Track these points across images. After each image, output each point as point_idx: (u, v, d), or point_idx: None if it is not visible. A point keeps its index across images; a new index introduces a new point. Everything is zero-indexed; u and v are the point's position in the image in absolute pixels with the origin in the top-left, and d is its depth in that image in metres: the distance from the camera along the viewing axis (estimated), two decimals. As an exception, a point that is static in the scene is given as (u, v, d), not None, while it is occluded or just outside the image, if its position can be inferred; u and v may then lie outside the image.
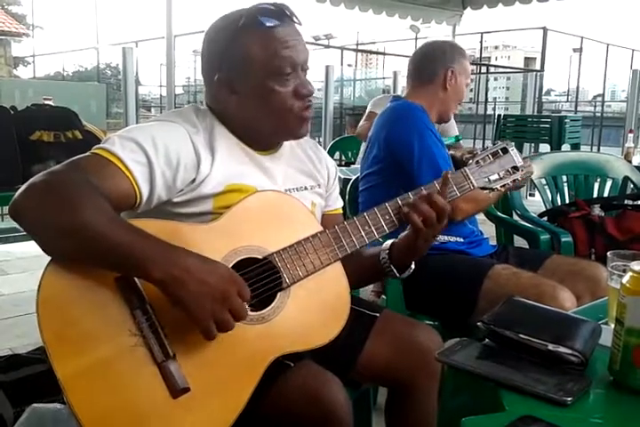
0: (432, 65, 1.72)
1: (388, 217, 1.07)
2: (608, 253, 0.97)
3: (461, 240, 1.66)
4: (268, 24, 1.03)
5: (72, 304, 0.87)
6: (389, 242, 1.14)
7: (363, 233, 1.06)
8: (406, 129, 1.62)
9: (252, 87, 1.06)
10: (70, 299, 0.87)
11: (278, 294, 1.00)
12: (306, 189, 1.18)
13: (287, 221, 1.06)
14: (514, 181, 1.15)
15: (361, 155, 1.81)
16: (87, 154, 0.95)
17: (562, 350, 0.78)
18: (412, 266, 1.16)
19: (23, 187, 0.87)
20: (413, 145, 1.59)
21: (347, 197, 1.85)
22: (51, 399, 1.39)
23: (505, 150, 1.15)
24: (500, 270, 1.50)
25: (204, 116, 1.10)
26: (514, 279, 1.45)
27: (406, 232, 1.10)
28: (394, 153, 1.64)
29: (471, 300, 1.47)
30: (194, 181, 1.02)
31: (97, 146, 0.96)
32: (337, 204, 1.29)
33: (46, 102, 2.28)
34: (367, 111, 3.27)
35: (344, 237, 1.05)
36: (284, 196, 1.10)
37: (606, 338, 0.81)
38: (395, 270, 1.14)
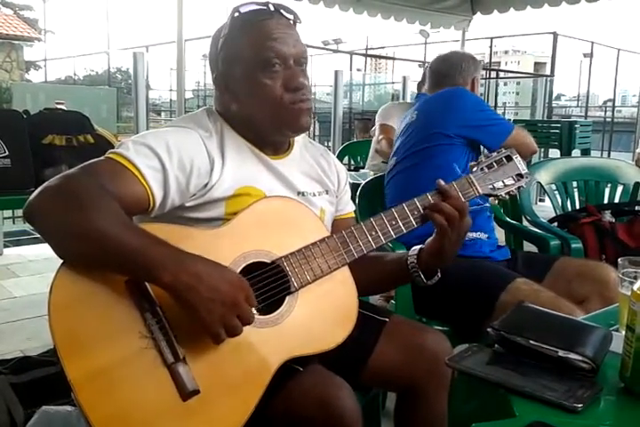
0: (461, 75, 1.88)
1: (394, 222, 1.08)
2: (619, 260, 0.96)
3: (485, 237, 1.67)
4: (253, 19, 1.05)
5: (83, 306, 0.88)
6: (417, 247, 1.14)
7: (369, 238, 1.07)
8: (465, 105, 1.73)
9: (242, 82, 1.07)
10: (81, 301, 0.88)
11: (286, 298, 1.00)
12: (315, 195, 1.19)
13: (295, 227, 1.07)
14: (518, 188, 1.16)
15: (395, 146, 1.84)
16: (101, 158, 0.96)
17: (572, 356, 0.77)
18: (439, 274, 1.15)
19: (38, 190, 0.88)
20: (478, 116, 1.73)
21: (357, 201, 1.85)
22: (61, 401, 1.40)
23: (509, 158, 1.16)
24: (521, 285, 1.47)
25: (215, 119, 1.11)
26: (533, 297, 1.41)
27: (432, 236, 1.10)
28: (452, 131, 1.69)
29: (487, 309, 1.46)
30: (206, 185, 1.03)
31: (111, 151, 0.97)
32: (348, 208, 1.29)
33: (59, 106, 2.30)
34: (378, 124, 3.14)
35: (351, 242, 1.06)
36: (293, 201, 1.10)
37: (617, 345, 0.81)
38: (422, 276, 1.13)
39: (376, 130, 3.18)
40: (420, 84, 3.01)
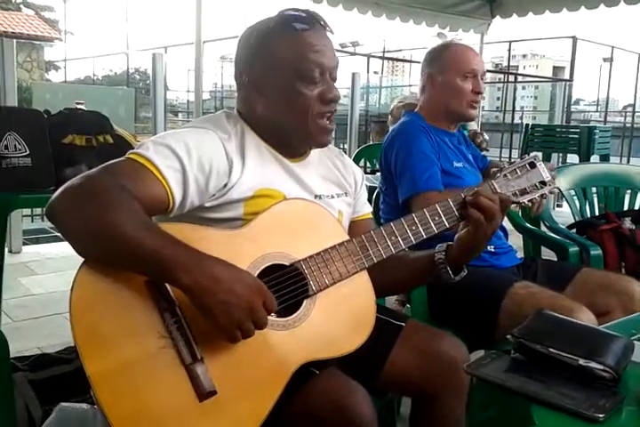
0: (422, 76, 1.76)
1: (414, 227, 1.07)
2: (641, 268, 0.95)
3: (492, 249, 1.65)
4: (298, 27, 1.05)
5: (104, 305, 0.88)
6: (444, 244, 1.13)
7: (389, 242, 1.06)
8: (394, 147, 1.66)
9: (279, 88, 1.08)
10: (102, 299, 0.89)
11: (304, 301, 1.00)
12: (333, 197, 1.19)
13: (314, 229, 1.07)
14: (541, 195, 1.14)
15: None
16: (122, 159, 0.97)
17: (593, 365, 0.77)
18: (465, 270, 1.14)
19: (60, 189, 0.89)
20: (397, 163, 1.63)
21: (372, 204, 1.85)
22: (78, 399, 1.41)
23: (532, 165, 1.14)
24: (519, 290, 1.46)
25: (235, 121, 1.11)
26: (532, 300, 1.41)
27: (464, 231, 1.10)
28: (390, 171, 1.68)
29: (491, 316, 1.45)
30: (225, 186, 1.04)
31: (131, 151, 0.98)
32: (365, 209, 1.29)
33: (79, 106, 2.32)
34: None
35: (370, 247, 1.05)
36: (312, 204, 1.10)
37: (639, 355, 0.79)
38: (450, 272, 1.12)
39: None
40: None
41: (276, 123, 1.10)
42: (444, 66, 1.69)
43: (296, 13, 1.07)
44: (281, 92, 1.08)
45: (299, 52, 1.06)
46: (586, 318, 1.34)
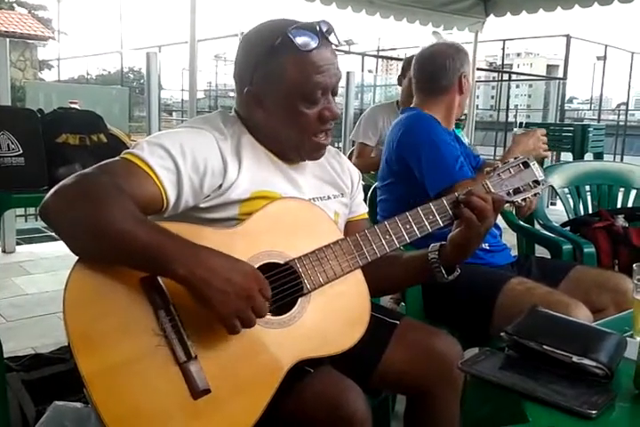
0: (446, 76, 1.69)
1: (408, 226, 1.08)
2: (634, 266, 0.96)
3: (487, 247, 1.65)
4: (304, 48, 1.02)
5: (98, 303, 0.88)
6: (437, 244, 1.14)
7: (383, 241, 1.06)
8: (415, 138, 1.62)
9: (279, 105, 1.07)
10: (96, 298, 0.88)
11: (299, 299, 1.01)
12: (329, 198, 1.19)
13: (309, 228, 1.07)
14: (535, 194, 1.15)
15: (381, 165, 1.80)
16: (116, 158, 0.97)
17: (586, 362, 0.77)
18: (458, 270, 1.14)
19: (54, 189, 0.89)
20: (421, 155, 1.59)
21: (367, 203, 1.85)
22: (71, 399, 1.41)
23: (526, 164, 1.16)
24: (515, 285, 1.47)
25: (232, 123, 1.11)
26: (527, 296, 1.41)
27: (457, 230, 1.10)
28: (406, 164, 1.65)
29: (486, 313, 1.46)
30: (220, 186, 1.03)
31: (126, 151, 0.98)
32: (361, 209, 1.29)
33: (72, 106, 2.31)
34: (357, 142, 3.04)
35: (365, 245, 1.06)
36: (307, 203, 1.10)
37: (632, 351, 0.80)
38: (443, 271, 1.12)
39: (355, 148, 3.06)
40: (401, 78, 2.92)
41: (273, 133, 1.10)
42: (469, 67, 1.70)
43: (303, 31, 1.03)
44: (280, 109, 1.07)
45: (303, 75, 1.04)
46: (582, 313, 1.35)
